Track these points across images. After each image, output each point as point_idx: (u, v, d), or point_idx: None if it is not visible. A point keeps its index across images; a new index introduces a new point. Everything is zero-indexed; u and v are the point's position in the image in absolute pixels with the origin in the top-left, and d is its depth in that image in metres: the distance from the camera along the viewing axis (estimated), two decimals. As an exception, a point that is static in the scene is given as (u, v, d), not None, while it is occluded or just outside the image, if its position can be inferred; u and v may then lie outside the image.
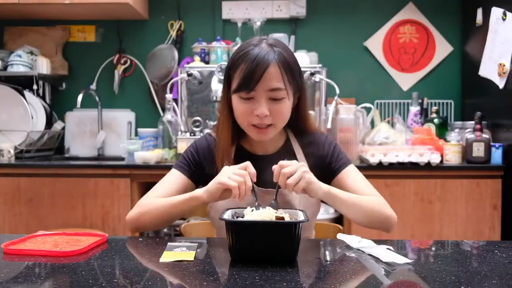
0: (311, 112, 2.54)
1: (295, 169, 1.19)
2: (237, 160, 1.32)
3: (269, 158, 1.36)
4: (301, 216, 1.10)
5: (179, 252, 1.08)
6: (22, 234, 1.22)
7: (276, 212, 1.12)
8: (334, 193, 1.27)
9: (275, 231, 1.03)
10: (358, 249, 1.13)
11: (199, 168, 1.39)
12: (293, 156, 1.38)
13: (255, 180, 1.20)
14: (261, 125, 1.29)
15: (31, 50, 3.03)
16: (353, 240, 1.17)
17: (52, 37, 3.16)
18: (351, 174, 1.38)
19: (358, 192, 1.33)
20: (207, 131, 2.53)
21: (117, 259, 1.07)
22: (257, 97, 1.27)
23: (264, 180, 1.31)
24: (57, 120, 3.11)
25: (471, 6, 2.86)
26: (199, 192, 1.25)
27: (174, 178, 1.38)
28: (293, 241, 1.02)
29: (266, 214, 1.10)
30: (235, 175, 1.17)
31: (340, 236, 1.21)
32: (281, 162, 1.21)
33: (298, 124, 1.40)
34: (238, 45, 2.77)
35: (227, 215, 1.11)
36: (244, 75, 1.26)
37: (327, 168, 1.38)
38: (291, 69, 1.29)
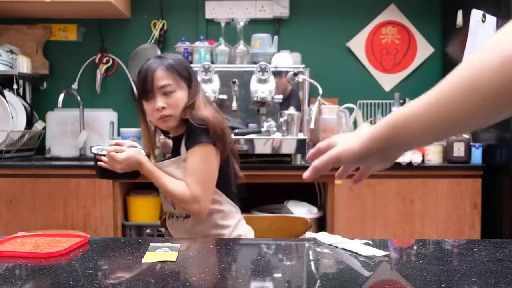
0: (294, 112, 2.55)
1: None
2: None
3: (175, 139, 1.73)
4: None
5: (161, 253, 1.07)
6: (2, 235, 1.20)
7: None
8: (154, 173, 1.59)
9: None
10: (330, 245, 1.13)
11: None
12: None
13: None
14: (163, 116, 1.60)
15: (11, 49, 2.99)
16: (324, 237, 1.18)
17: (32, 35, 3.12)
18: (191, 156, 1.57)
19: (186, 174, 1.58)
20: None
21: (99, 260, 1.06)
22: (154, 96, 1.60)
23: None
24: (37, 120, 3.07)
25: (452, 8, 2.90)
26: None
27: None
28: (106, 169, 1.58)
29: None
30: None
31: (309, 234, 1.22)
32: None
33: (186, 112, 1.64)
34: (222, 45, 2.81)
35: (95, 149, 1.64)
36: (141, 83, 1.63)
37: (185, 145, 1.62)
38: (176, 69, 1.62)
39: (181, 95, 1.62)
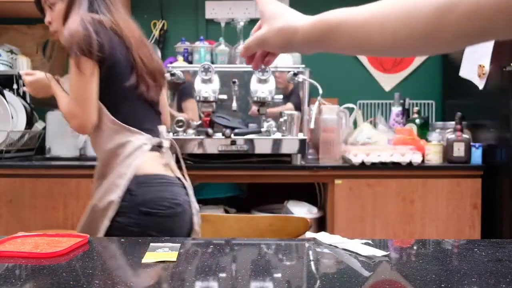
0: (294, 112, 2.55)
1: None
2: None
3: None
4: None
5: (161, 253, 1.07)
6: (2, 235, 1.20)
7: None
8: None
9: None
10: (330, 245, 1.13)
11: None
12: None
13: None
14: (52, 32, 1.64)
15: (11, 49, 2.99)
16: (324, 237, 1.18)
17: (32, 35, 3.12)
18: (70, 72, 1.52)
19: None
20: (190, 131, 2.52)
21: (99, 260, 1.06)
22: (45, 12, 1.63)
23: None
24: (38, 120, 3.07)
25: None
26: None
27: None
28: None
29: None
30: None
31: (309, 234, 1.22)
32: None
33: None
34: (222, 45, 2.81)
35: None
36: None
37: None
38: None
39: (60, 7, 1.60)
